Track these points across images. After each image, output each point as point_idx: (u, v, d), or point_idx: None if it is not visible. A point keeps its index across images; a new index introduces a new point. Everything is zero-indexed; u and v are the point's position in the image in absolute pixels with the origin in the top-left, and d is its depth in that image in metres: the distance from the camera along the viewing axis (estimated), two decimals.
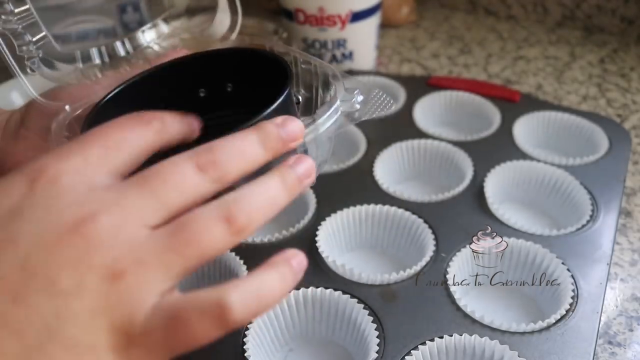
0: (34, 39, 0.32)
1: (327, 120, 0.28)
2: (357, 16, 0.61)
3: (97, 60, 0.35)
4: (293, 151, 0.26)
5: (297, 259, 0.23)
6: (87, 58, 0.35)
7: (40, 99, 0.32)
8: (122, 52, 0.36)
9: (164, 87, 0.32)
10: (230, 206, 0.21)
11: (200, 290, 0.21)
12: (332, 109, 0.28)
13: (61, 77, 0.34)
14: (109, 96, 0.30)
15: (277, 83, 0.29)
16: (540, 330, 0.34)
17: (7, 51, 0.31)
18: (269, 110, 0.26)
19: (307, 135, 0.27)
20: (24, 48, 0.32)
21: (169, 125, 0.25)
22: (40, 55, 0.33)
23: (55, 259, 0.19)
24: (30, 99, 0.33)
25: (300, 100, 0.32)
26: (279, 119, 0.24)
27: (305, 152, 0.29)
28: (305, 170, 0.24)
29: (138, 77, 0.32)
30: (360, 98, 0.29)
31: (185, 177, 0.21)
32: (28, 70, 0.32)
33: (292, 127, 0.25)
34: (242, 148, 0.23)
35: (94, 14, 0.37)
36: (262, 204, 0.22)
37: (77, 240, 0.19)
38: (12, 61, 0.31)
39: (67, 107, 0.31)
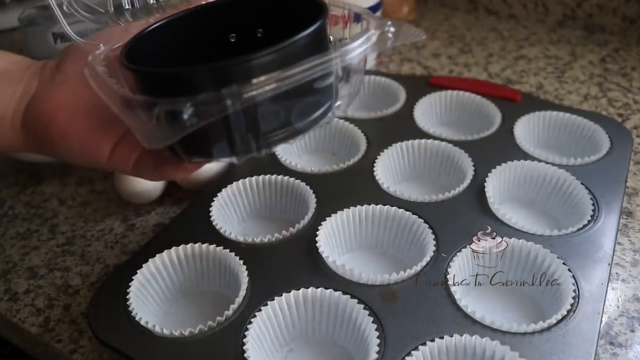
0: None
1: (361, 45, 0.27)
2: (358, 15, 0.61)
3: (127, 5, 0.36)
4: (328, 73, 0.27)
5: None
6: (118, 3, 0.36)
7: (77, 38, 0.32)
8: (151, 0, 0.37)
9: (194, 30, 0.33)
10: None
11: None
12: (365, 36, 0.28)
13: (95, 19, 0.35)
14: (144, 32, 0.31)
15: (309, 27, 0.28)
16: (542, 331, 0.34)
17: None
18: (300, 36, 0.26)
19: (336, 58, 0.26)
20: None
21: None
22: None
23: None
24: (64, 48, 0.33)
25: (332, 39, 0.32)
26: None
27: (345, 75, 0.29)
28: None
29: (170, 18, 0.33)
30: (392, 29, 0.29)
31: None
32: (64, 8, 0.33)
33: None
34: None
35: None
36: None
37: None
38: (53, 2, 0.32)
39: (101, 46, 0.32)
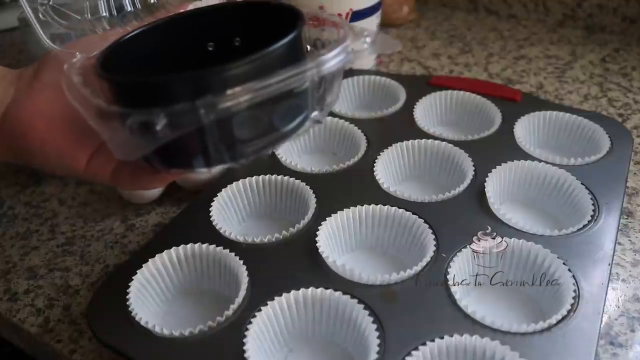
0: None
1: (337, 56, 0.27)
2: (358, 15, 0.61)
3: (105, 13, 0.36)
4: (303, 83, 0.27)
5: None
6: (95, 10, 0.36)
7: (52, 46, 0.32)
8: (129, 7, 0.37)
9: (172, 39, 0.33)
10: None
11: None
12: (342, 46, 0.28)
13: (71, 26, 0.35)
14: (120, 40, 0.31)
15: (287, 36, 0.28)
16: (542, 331, 0.34)
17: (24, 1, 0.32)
18: (276, 46, 0.27)
19: (312, 69, 0.26)
20: None
21: None
22: (51, 2, 0.34)
23: None
24: (41, 56, 0.33)
25: (309, 49, 0.32)
26: None
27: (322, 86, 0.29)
28: None
29: (148, 26, 0.33)
30: (369, 39, 0.29)
31: None
32: (40, 16, 0.33)
33: None
34: None
35: None
36: None
37: None
38: (28, 9, 0.32)
39: (78, 55, 0.31)
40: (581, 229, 0.41)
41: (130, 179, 0.34)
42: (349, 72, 0.62)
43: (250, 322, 0.34)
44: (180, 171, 0.33)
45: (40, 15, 0.33)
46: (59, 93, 0.30)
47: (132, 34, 0.33)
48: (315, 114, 0.31)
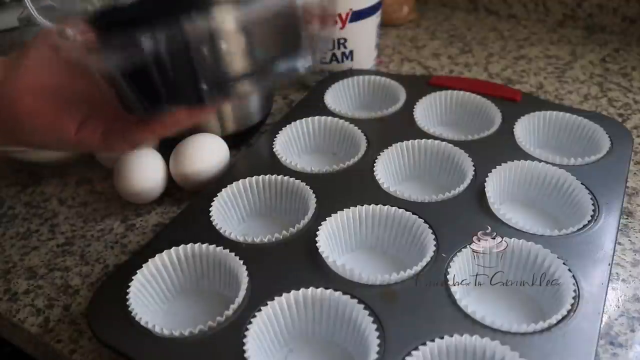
0: None
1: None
2: (358, 15, 0.61)
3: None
4: None
5: None
6: None
7: (44, 21, 0.34)
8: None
9: (160, 10, 0.34)
10: None
11: None
12: None
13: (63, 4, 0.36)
14: (109, 7, 0.32)
15: None
16: (542, 331, 0.34)
17: None
18: None
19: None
20: None
21: None
22: None
23: None
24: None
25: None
26: None
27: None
28: None
29: None
30: None
31: None
32: None
33: None
34: None
35: None
36: None
37: None
38: None
39: (68, 30, 0.32)
40: (581, 229, 0.41)
41: (121, 137, 0.34)
42: (349, 72, 0.62)
43: (250, 322, 0.34)
44: (170, 108, 0.33)
45: None
46: (45, 68, 0.32)
47: (120, 3, 0.33)
48: (304, 60, 0.31)
